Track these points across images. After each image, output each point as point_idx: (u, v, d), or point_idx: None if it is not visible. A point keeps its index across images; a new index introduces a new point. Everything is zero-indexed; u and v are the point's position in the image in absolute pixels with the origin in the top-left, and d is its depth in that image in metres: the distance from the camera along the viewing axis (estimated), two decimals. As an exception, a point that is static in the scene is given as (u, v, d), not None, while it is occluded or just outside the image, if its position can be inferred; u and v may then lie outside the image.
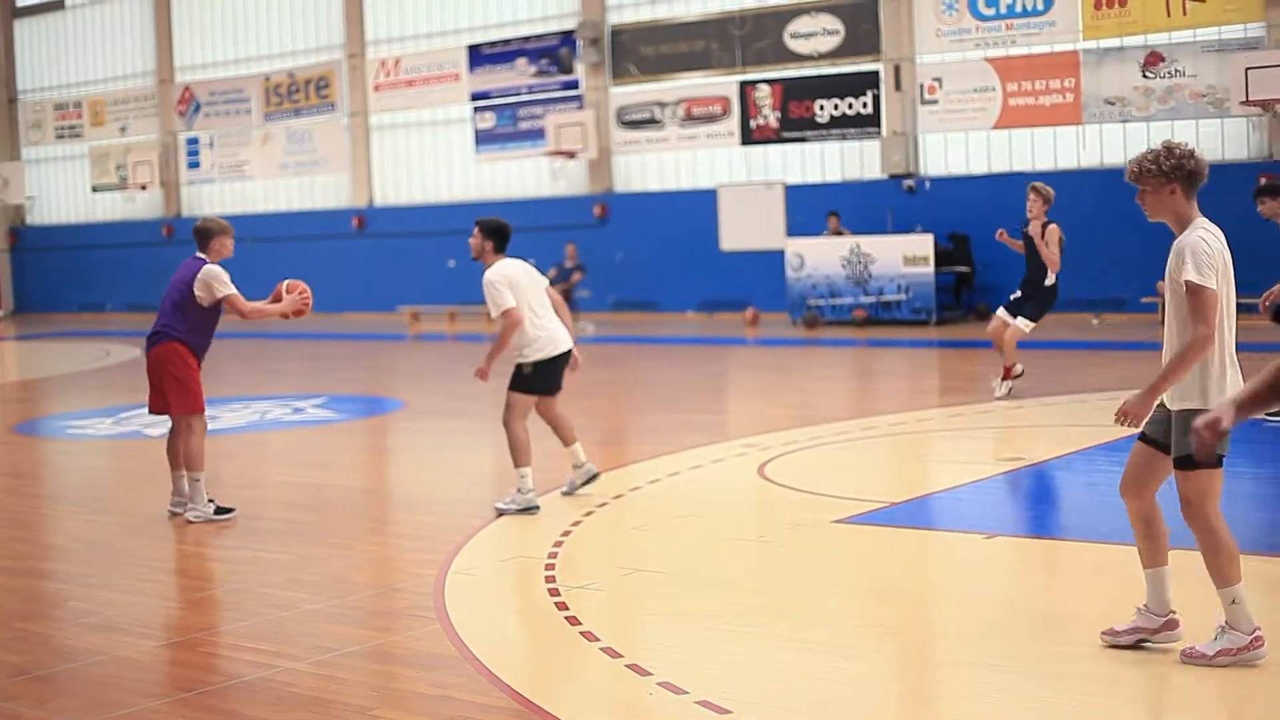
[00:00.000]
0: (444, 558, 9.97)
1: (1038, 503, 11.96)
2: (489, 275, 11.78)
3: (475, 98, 38.19)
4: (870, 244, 30.24)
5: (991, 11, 30.94)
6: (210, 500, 11.95)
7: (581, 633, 8.01)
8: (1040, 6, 30.33)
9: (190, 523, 11.73)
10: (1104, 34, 29.66)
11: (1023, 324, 17.05)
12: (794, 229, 32.47)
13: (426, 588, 9.19)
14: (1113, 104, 29.70)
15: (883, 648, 7.78)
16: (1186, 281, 7.00)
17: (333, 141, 41.00)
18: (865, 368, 23.76)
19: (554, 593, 8.89)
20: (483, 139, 38.22)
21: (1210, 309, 6.94)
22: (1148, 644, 7.38)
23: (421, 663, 7.74)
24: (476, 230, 12.02)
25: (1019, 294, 17.25)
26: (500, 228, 12.06)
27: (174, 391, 11.88)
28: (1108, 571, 8.96)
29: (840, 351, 26.13)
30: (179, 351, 11.85)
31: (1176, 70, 29.07)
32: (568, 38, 36.71)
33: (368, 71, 40.35)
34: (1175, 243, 7.13)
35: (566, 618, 8.32)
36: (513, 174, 38.62)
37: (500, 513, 11.40)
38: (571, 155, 36.08)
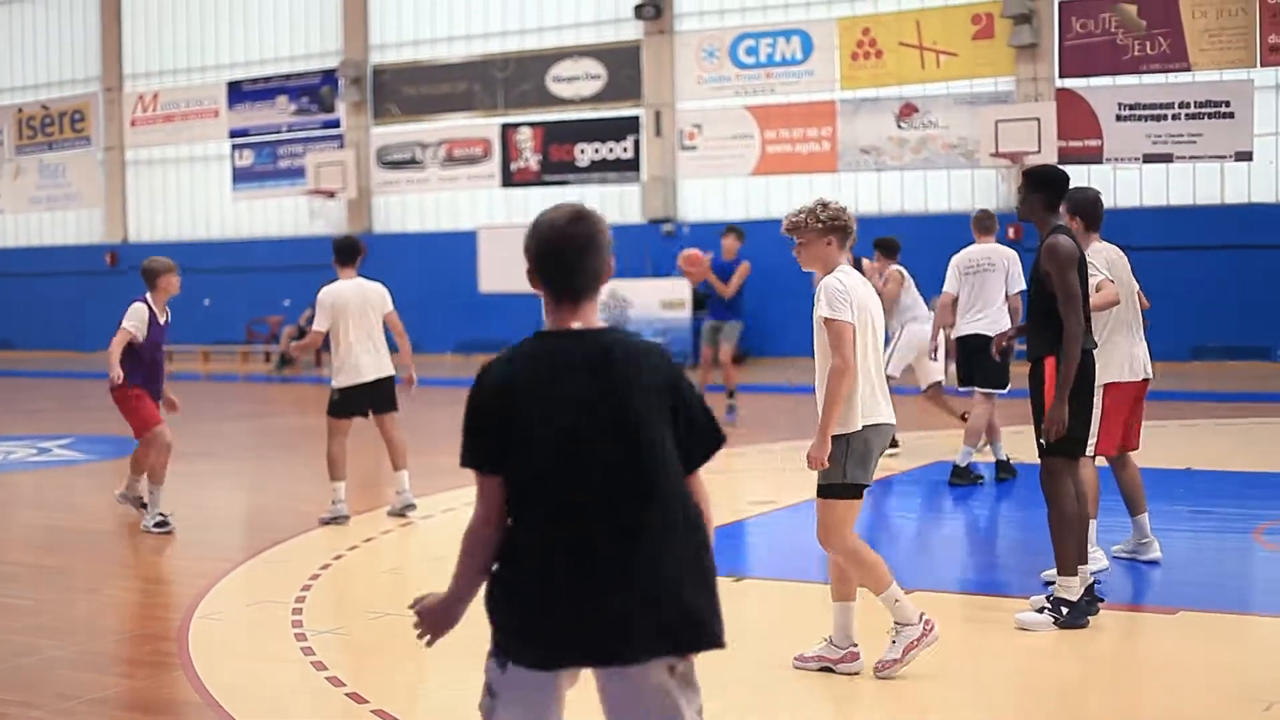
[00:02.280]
0: (190, 602, 9.80)
1: (786, 546, 12.07)
2: (321, 292, 13.18)
3: (234, 134, 37.77)
4: (628, 288, 30.48)
5: (751, 60, 31.39)
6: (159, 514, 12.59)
7: (327, 678, 7.92)
8: (799, 56, 30.85)
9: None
10: (860, 84, 30.29)
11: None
12: (553, 272, 32.51)
13: (172, 633, 9.03)
14: (868, 153, 30.31)
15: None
16: (823, 317, 7.52)
17: (87, 176, 40.22)
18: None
19: (300, 637, 8.78)
20: (241, 176, 37.80)
21: (845, 340, 7.46)
22: (832, 670, 7.78)
23: (164, 710, 7.60)
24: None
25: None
26: (340, 246, 13.64)
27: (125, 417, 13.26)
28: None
29: (598, 394, 26.19)
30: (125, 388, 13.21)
31: (930, 121, 29.77)
32: (329, 76, 36.50)
33: (125, 105, 39.72)
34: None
35: (312, 663, 8.22)
36: (271, 212, 38.27)
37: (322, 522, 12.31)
38: (331, 195, 35.84)
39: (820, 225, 7.71)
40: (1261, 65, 27.03)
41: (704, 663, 4.44)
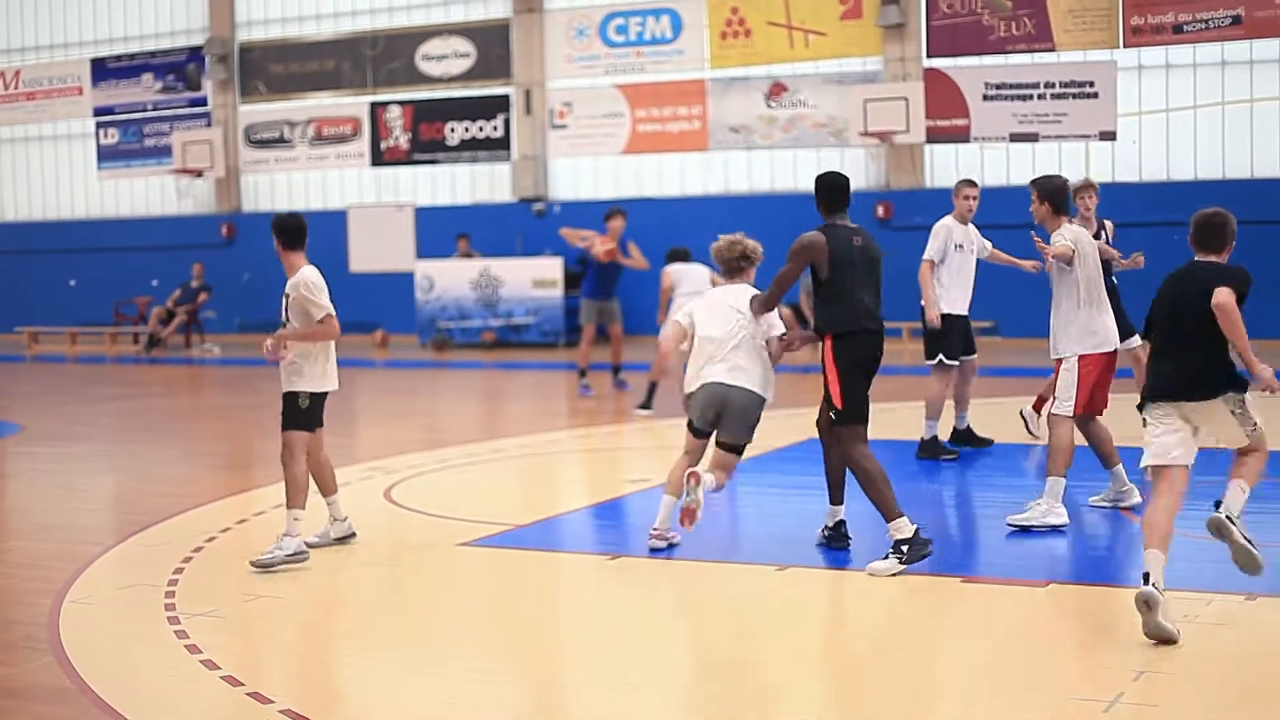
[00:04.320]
0: (60, 586, 9.69)
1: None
2: (308, 274, 10.25)
3: (99, 113, 37.23)
4: (500, 267, 30.44)
5: (621, 39, 31.41)
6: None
7: (202, 661, 7.87)
8: (669, 35, 30.90)
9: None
10: (730, 64, 30.40)
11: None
12: (424, 251, 32.52)
13: (41, 618, 8.92)
14: (738, 132, 30.44)
15: (509, 669, 7.82)
16: None
17: (-54, 155, 39.53)
18: (494, 390, 23.85)
19: (174, 621, 8.71)
20: (106, 155, 37.29)
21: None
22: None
23: (34, 696, 7.50)
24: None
25: None
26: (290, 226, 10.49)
27: None
28: (735, 590, 9.16)
29: (469, 374, 26.20)
30: None
31: (799, 101, 29.95)
32: (195, 54, 36.10)
33: (-15, 83, 39.08)
34: None
35: (186, 646, 8.16)
36: (138, 192, 37.86)
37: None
38: (198, 174, 35.47)
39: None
40: (1124, 46, 27.40)
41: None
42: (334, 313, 10.20)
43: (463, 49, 33.42)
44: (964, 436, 14.73)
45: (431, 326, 30.99)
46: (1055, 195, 11.00)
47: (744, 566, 9.85)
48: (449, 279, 30.93)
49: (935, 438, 14.32)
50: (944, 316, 14.08)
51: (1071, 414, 10.89)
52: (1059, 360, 10.96)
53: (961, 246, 14.34)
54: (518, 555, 10.55)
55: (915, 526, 9.56)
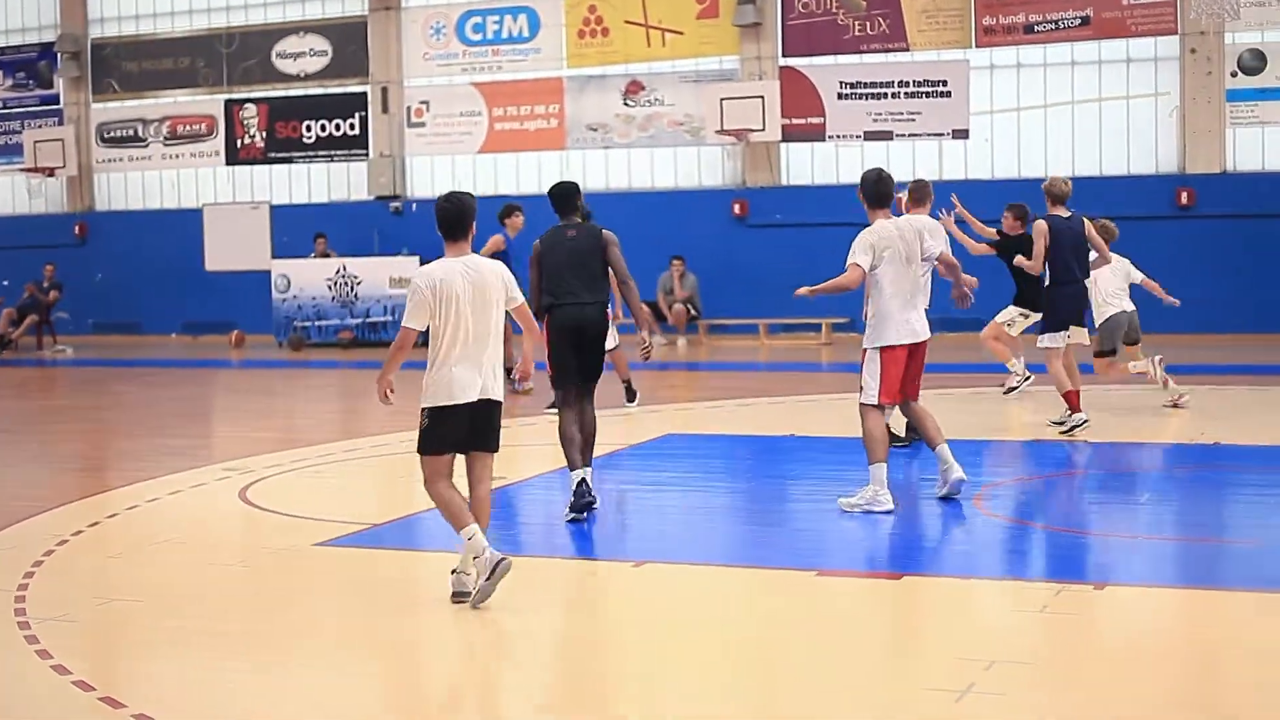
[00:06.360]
0: (-94, 592, 9.53)
1: (514, 521, 12.12)
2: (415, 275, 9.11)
3: (-54, 110, 36.61)
4: (357, 266, 30.29)
5: (479, 37, 31.39)
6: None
7: (53, 666, 7.77)
8: (526, 34, 30.92)
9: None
10: (587, 62, 30.47)
11: None
12: (280, 250, 32.29)
13: (-114, 624, 8.77)
14: (595, 130, 30.51)
15: (368, 669, 7.80)
16: None
17: None
18: (351, 389, 23.71)
19: (24, 625, 8.60)
20: (-46, 153, 36.66)
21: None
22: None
23: (-121, 703, 7.39)
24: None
25: None
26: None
27: None
28: (563, 585, 9.18)
29: (326, 373, 26.05)
30: None
31: (656, 99, 30.07)
32: (47, 51, 35.63)
33: None
34: None
35: (37, 651, 8.05)
36: (-13, 190, 37.24)
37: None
38: (50, 172, 34.95)
39: None
40: (977, 46, 27.81)
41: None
42: (410, 324, 8.98)
43: (319, 47, 33.22)
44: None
45: (288, 326, 30.77)
46: (865, 189, 11.60)
47: (602, 564, 9.86)
48: (306, 278, 30.71)
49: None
50: None
51: (877, 403, 11.36)
52: (864, 351, 11.49)
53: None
54: (375, 554, 10.52)
55: (582, 475, 11.30)
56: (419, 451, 9.03)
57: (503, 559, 8.46)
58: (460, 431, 8.89)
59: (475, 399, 8.84)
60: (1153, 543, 10.43)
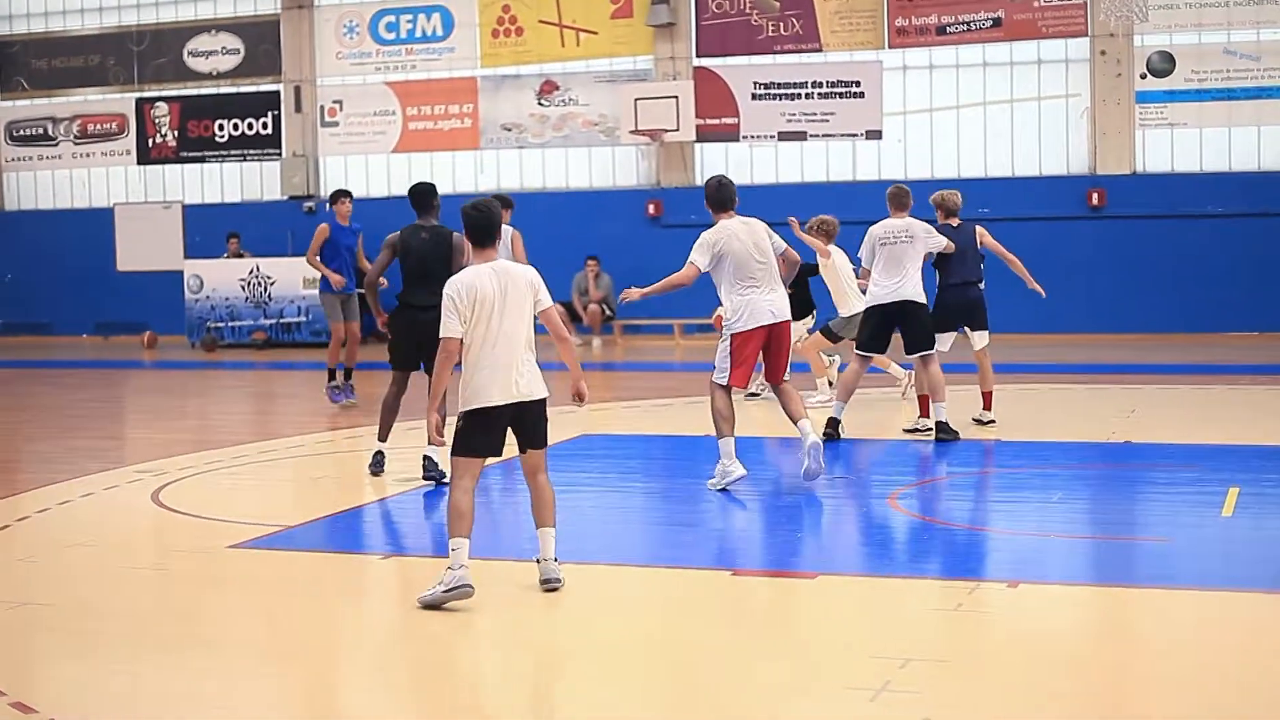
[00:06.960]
0: None
1: (434, 522, 12.10)
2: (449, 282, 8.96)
3: None
4: (270, 266, 30.14)
5: (392, 36, 31.30)
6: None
7: (-37, 671, 7.70)
8: (440, 33, 30.86)
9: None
10: (501, 62, 30.44)
11: None
12: (193, 250, 32.10)
13: None
14: (510, 130, 30.49)
15: (285, 672, 7.77)
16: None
17: None
18: (265, 390, 23.61)
19: (-67, 630, 8.52)
20: None
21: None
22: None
23: None
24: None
25: None
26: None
27: None
28: (480, 587, 9.15)
29: (240, 374, 25.91)
30: None
31: (570, 99, 30.07)
32: (-47, 48, 35.21)
33: None
34: None
35: (-53, 656, 7.99)
36: (-104, 190, 36.79)
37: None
38: (-43, 171, 34.58)
39: None
40: (889, 47, 27.97)
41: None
42: (447, 333, 8.74)
43: (231, 45, 33.03)
44: (835, 424, 15.00)
45: (201, 326, 30.56)
46: (707, 196, 12.68)
47: (514, 564, 9.82)
48: (219, 278, 30.53)
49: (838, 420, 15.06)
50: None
51: (726, 384, 12.35)
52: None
53: (886, 243, 15.06)
54: (289, 556, 10.47)
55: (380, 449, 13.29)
56: (451, 453, 9.00)
57: (468, 586, 8.52)
58: (496, 436, 8.92)
59: (513, 400, 8.83)
60: (1065, 541, 10.53)
